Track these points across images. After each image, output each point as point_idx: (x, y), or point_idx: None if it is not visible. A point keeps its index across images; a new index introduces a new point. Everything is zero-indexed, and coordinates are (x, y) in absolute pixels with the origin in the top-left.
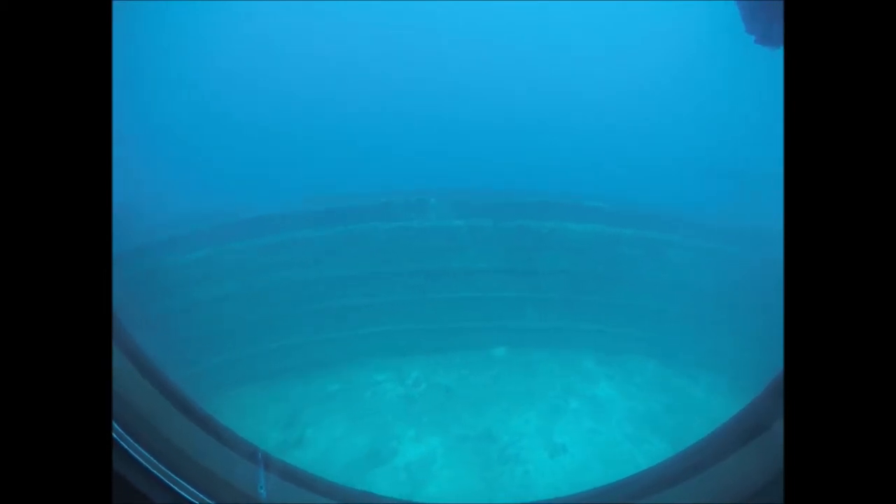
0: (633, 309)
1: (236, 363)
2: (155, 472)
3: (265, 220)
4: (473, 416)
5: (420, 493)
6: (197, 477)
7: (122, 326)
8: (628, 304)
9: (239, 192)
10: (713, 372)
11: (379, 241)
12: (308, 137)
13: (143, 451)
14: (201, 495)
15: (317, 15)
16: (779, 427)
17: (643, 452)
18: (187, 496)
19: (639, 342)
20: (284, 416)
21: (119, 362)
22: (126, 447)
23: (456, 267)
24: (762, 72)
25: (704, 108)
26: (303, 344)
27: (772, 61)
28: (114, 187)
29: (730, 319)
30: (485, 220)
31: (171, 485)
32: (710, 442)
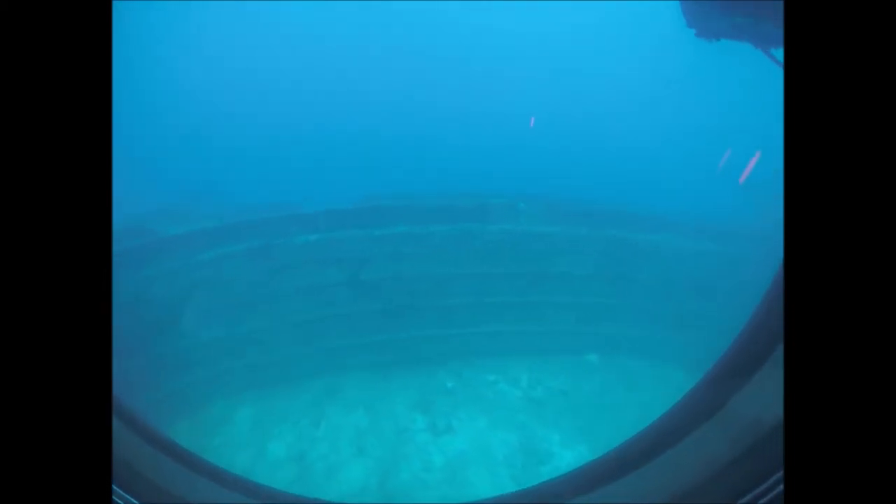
0: (709, 320)
1: (346, 350)
2: None
3: (365, 212)
4: (605, 425)
5: None
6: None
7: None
8: (704, 314)
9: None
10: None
11: (481, 243)
12: (382, 138)
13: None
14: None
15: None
16: (734, 404)
17: None
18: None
19: (707, 354)
20: (418, 404)
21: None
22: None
23: (554, 271)
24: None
25: (745, 120)
26: (409, 339)
27: None
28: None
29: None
30: (581, 228)
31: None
32: (665, 423)
